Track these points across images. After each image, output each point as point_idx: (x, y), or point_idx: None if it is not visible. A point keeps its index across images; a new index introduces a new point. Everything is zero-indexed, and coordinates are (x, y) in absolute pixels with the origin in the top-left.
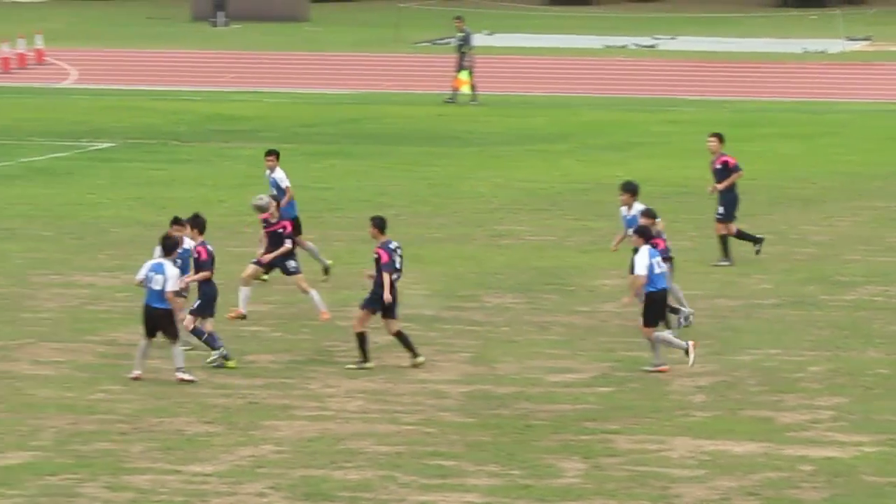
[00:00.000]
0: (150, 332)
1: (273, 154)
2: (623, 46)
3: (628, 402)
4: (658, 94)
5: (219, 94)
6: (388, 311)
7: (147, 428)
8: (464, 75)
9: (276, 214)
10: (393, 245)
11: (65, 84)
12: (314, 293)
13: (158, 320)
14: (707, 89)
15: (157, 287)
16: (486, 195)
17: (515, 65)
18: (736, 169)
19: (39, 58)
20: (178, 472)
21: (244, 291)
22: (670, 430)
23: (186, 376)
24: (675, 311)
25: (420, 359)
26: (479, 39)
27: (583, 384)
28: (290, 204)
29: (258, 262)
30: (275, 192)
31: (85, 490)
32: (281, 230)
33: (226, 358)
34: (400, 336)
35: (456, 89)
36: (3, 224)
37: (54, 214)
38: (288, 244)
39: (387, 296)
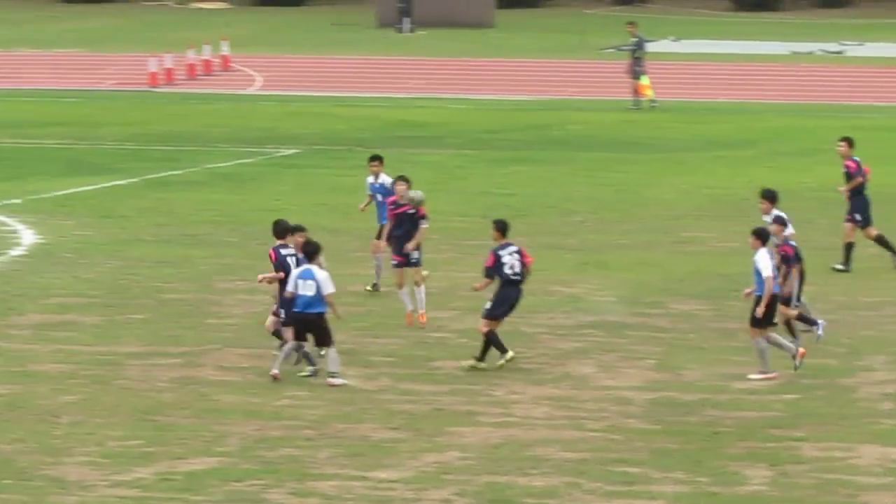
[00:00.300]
0: (301, 336)
1: (377, 159)
2: (810, 52)
3: (814, 410)
4: (845, 100)
5: (403, 100)
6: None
7: (333, 434)
8: (645, 80)
9: (407, 198)
10: (506, 250)
11: (250, 90)
12: (422, 290)
13: (312, 325)
14: (894, 95)
15: (310, 293)
16: (671, 201)
17: (701, 71)
18: (856, 173)
19: (225, 64)
20: (363, 478)
21: (403, 293)
22: (858, 438)
23: (338, 382)
24: (810, 321)
25: (510, 353)
26: (664, 45)
27: (768, 391)
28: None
29: (399, 263)
30: (380, 199)
31: (271, 496)
32: (413, 212)
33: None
34: (489, 336)
35: (640, 95)
36: (189, 230)
37: (240, 220)
38: (424, 225)
39: (475, 285)
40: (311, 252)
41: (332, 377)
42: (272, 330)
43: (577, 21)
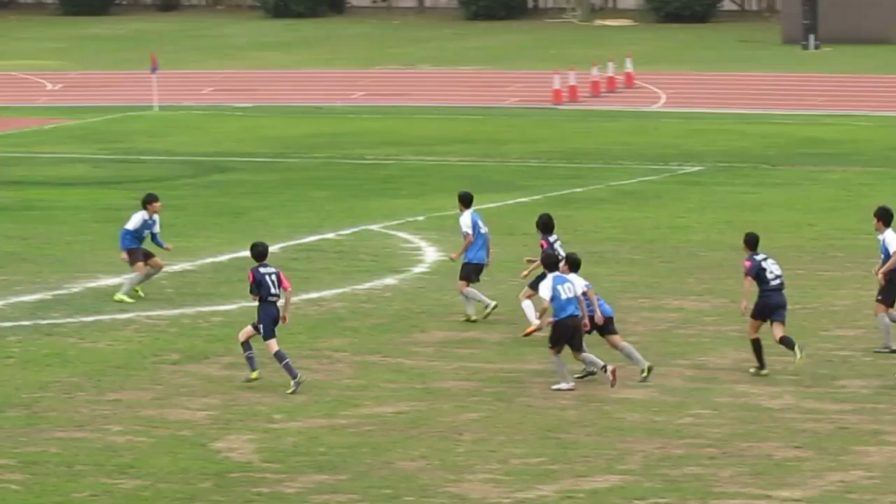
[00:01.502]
0: (563, 344)
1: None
2: None
3: None
4: None
5: (809, 116)
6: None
7: (736, 452)
8: None
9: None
10: (759, 256)
11: (654, 108)
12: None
13: (575, 329)
14: None
15: (571, 295)
16: None
17: None
18: None
19: (629, 81)
20: (767, 497)
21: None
22: None
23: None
24: None
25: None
26: None
27: None
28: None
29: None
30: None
31: None
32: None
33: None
34: (783, 341)
35: None
36: (593, 248)
37: (644, 238)
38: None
39: (742, 304)
40: (552, 263)
41: (613, 374)
42: (243, 339)
43: None
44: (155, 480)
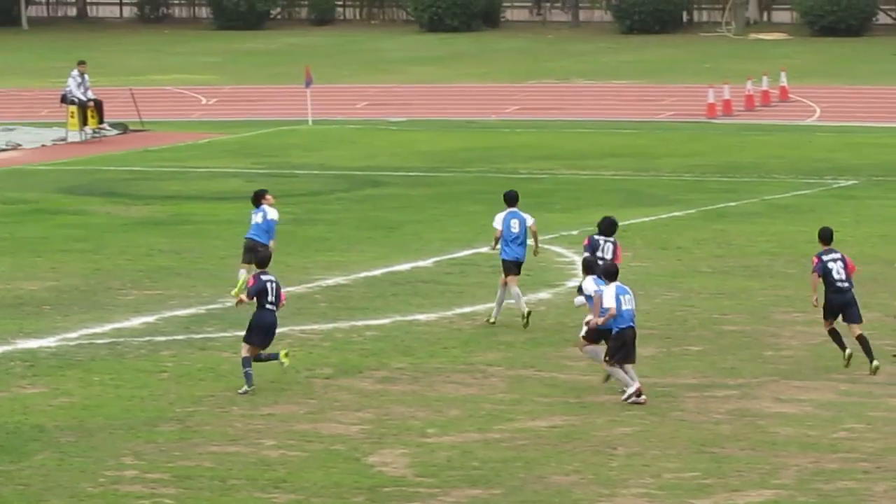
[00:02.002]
0: (627, 354)
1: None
2: None
3: None
4: None
5: None
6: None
7: (890, 467)
8: None
9: None
10: (829, 256)
11: (808, 121)
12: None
13: (633, 339)
14: None
15: (632, 306)
16: None
17: None
18: None
19: (783, 95)
20: None
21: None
22: None
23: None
24: None
25: (875, 363)
26: None
27: None
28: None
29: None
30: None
31: None
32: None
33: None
34: (860, 340)
35: None
36: (747, 261)
37: (798, 251)
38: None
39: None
40: (614, 273)
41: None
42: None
43: None
44: (308, 495)
